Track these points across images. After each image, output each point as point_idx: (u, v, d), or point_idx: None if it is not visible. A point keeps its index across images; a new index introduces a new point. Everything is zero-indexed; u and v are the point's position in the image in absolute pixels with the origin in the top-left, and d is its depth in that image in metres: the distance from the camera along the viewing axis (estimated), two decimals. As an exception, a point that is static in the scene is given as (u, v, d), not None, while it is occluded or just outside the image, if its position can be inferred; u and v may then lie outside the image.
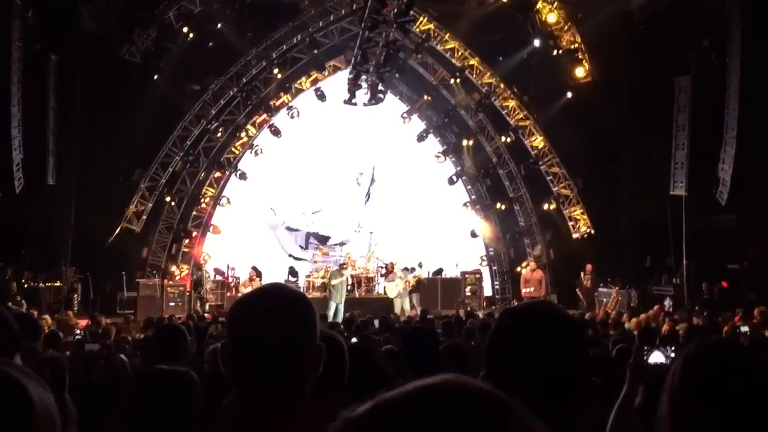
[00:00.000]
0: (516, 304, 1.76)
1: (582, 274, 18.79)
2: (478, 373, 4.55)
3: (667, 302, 16.99)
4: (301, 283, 19.71)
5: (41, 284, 17.45)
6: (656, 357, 2.44)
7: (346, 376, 2.36)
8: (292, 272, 20.41)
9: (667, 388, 1.67)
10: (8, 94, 15.21)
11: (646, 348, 2.50)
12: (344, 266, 18.42)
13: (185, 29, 18.21)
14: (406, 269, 18.83)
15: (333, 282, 17.57)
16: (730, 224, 17.67)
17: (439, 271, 20.88)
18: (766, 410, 1.54)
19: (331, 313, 16.81)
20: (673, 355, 2.43)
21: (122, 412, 2.49)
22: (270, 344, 1.66)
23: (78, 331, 9.49)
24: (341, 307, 17.36)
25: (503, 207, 21.76)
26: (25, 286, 16.91)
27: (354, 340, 6.55)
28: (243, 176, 20.88)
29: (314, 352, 1.73)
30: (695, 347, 1.69)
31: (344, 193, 22.46)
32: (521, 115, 20.68)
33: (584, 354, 1.61)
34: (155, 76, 18.47)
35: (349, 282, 18.33)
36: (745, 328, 7.47)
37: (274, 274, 20.44)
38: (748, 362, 1.63)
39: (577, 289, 18.82)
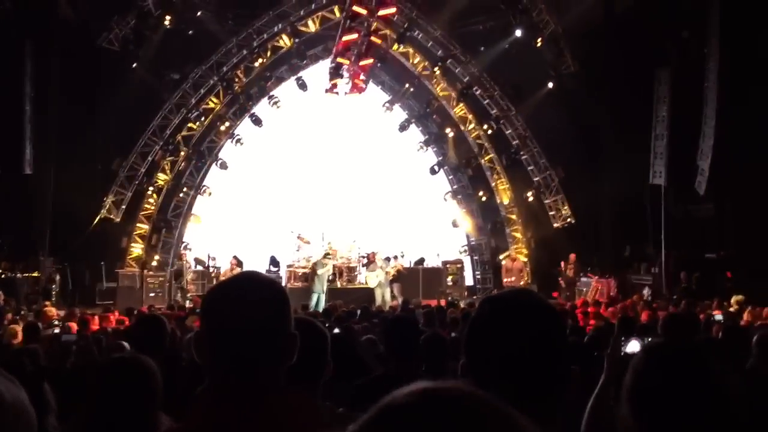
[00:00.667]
0: (496, 293, 1.77)
1: (563, 263, 18.91)
2: (457, 363, 4.55)
3: (646, 291, 17.17)
4: (283, 273, 19.63)
5: (19, 274, 17.24)
6: (633, 346, 2.46)
7: (327, 364, 2.34)
8: (274, 262, 20.30)
9: (624, 392, 1.70)
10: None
11: (623, 338, 2.52)
12: (328, 255, 18.41)
13: (165, 17, 17.98)
14: (387, 259, 18.85)
15: (319, 271, 17.55)
16: (709, 214, 17.86)
17: (421, 261, 20.92)
18: (710, 413, 1.57)
19: (312, 303, 16.80)
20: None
21: (87, 401, 2.53)
22: (244, 333, 1.64)
23: (56, 323, 9.38)
24: (323, 297, 17.35)
25: (485, 197, 21.84)
26: (2, 276, 16.72)
27: (336, 330, 6.55)
28: (224, 166, 20.74)
29: (289, 341, 1.72)
30: (642, 354, 1.73)
31: (326, 184, 22.42)
32: (503, 105, 20.72)
33: (563, 341, 1.61)
34: (134, 65, 18.26)
35: (331, 272, 18.31)
36: (719, 317, 7.55)
37: (255, 264, 20.42)
38: (693, 368, 1.66)
39: (560, 279, 18.94)
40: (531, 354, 1.51)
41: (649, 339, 2.49)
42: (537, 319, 1.56)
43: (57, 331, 8.19)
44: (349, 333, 6.37)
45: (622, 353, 2.45)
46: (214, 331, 1.69)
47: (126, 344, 5.00)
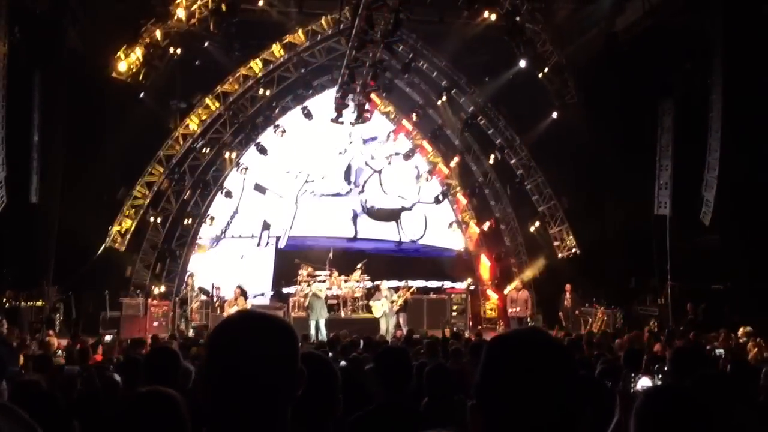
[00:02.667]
0: (504, 331, 1.73)
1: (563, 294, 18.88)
2: (463, 395, 4.50)
3: (652, 323, 17.05)
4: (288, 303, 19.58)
5: (23, 303, 17.18)
6: (644, 382, 2.43)
7: (338, 403, 2.32)
8: (280, 296, 20.37)
9: None
10: (-8, 111, 15.09)
11: (633, 374, 2.49)
12: (308, 281, 18.46)
13: (171, 48, 18.18)
14: (391, 289, 18.77)
15: (307, 302, 17.66)
16: (714, 245, 17.78)
17: (426, 290, 20.84)
18: None
19: (312, 332, 16.68)
20: (660, 382, 2.42)
21: None
22: (252, 374, 1.63)
23: (60, 352, 9.33)
24: (321, 323, 17.24)
25: (489, 226, 21.83)
26: (7, 305, 16.66)
27: (343, 363, 6.50)
28: (228, 194, 20.80)
29: (295, 380, 1.70)
30: (644, 399, 1.74)
31: (331, 212, 22.49)
32: (507, 135, 20.80)
33: (576, 382, 1.59)
34: (141, 94, 18.40)
35: (322, 296, 18.12)
36: (720, 351, 7.47)
37: (259, 292, 20.41)
38: (693, 412, 1.66)
39: (560, 311, 18.88)
40: (544, 396, 1.49)
41: (659, 376, 2.46)
42: (549, 360, 1.55)
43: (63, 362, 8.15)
44: (355, 365, 6.31)
45: (633, 390, 2.42)
46: (222, 369, 1.66)
47: (117, 377, 4.93)
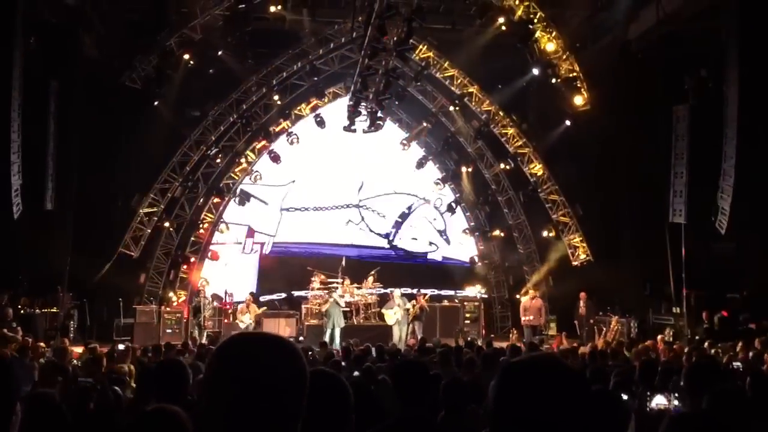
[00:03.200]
0: (518, 359, 1.69)
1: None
2: (477, 406, 4.45)
3: (668, 331, 16.89)
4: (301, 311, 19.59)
5: (37, 310, 17.30)
6: (659, 401, 2.40)
7: (350, 422, 2.29)
8: (290, 303, 20.39)
9: None
10: (8, 119, 15.21)
11: (648, 392, 2.46)
12: (330, 291, 18.45)
13: (186, 56, 18.30)
14: (404, 296, 18.72)
15: (323, 308, 17.67)
16: (730, 253, 17.62)
17: (439, 298, 20.79)
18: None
19: (327, 340, 16.71)
20: (676, 402, 2.39)
21: None
22: (258, 403, 1.57)
23: (75, 362, 9.36)
24: (337, 332, 17.27)
25: (502, 234, 21.76)
26: (22, 312, 16.76)
27: (356, 373, 6.47)
28: (242, 202, 20.87)
29: (303, 401, 1.66)
30: (668, 426, 1.69)
31: (343, 220, 22.53)
32: (520, 143, 20.76)
33: (589, 409, 1.57)
34: (155, 102, 18.52)
35: (342, 304, 18.18)
36: (737, 364, 7.37)
37: (271, 299, 20.43)
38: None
39: (574, 320, 18.75)
40: (558, 424, 1.47)
41: (675, 394, 2.42)
42: (563, 388, 1.53)
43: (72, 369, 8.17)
44: (368, 376, 6.28)
45: (648, 408, 2.39)
46: (226, 395, 1.60)
47: (118, 390, 4.91)
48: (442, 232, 23.02)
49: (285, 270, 21.18)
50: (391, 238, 22.80)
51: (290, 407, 1.62)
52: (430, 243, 22.94)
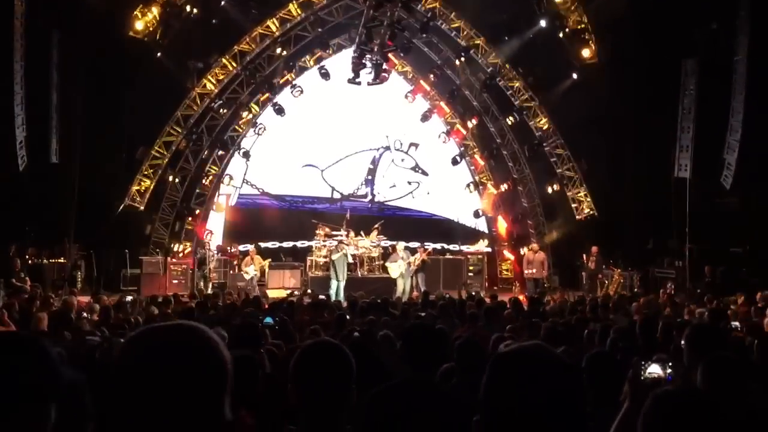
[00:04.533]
0: (508, 349, 1.69)
1: (585, 256, 18.80)
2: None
3: (670, 285, 17.03)
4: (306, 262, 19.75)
5: (45, 261, 17.51)
6: (653, 369, 2.45)
7: (352, 392, 2.36)
8: (294, 254, 20.53)
9: None
10: (11, 71, 15.13)
11: (642, 362, 2.50)
12: (342, 241, 18.53)
13: (188, 6, 18.04)
14: (408, 248, 18.82)
15: (333, 257, 17.70)
16: (734, 207, 17.65)
17: (443, 251, 20.92)
18: None
19: (332, 292, 16.91)
20: (670, 369, 2.44)
21: None
22: (169, 400, 1.42)
23: (85, 314, 9.51)
24: (342, 285, 17.44)
25: (507, 188, 21.76)
26: (29, 262, 16.96)
27: (356, 333, 6.57)
28: (246, 155, 20.84)
29: (222, 400, 1.49)
30: (651, 405, 1.73)
31: (348, 173, 22.53)
32: (526, 96, 20.59)
33: (581, 399, 1.59)
34: (158, 54, 18.34)
35: (350, 259, 18.32)
36: (735, 324, 7.44)
37: (276, 253, 20.57)
38: (705, 419, 1.66)
39: (582, 272, 18.84)
40: (549, 415, 1.50)
41: (670, 364, 2.47)
42: (554, 378, 1.54)
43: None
44: (368, 337, 6.38)
45: (643, 377, 2.44)
46: (131, 392, 1.44)
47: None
48: (415, 168, 22.93)
49: (251, 222, 21.15)
50: (370, 197, 22.75)
51: (207, 402, 1.46)
52: (409, 182, 22.89)
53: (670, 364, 2.44)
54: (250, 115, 20.79)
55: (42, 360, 1.45)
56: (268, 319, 7.15)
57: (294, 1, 19.59)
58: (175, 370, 1.42)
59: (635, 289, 17.13)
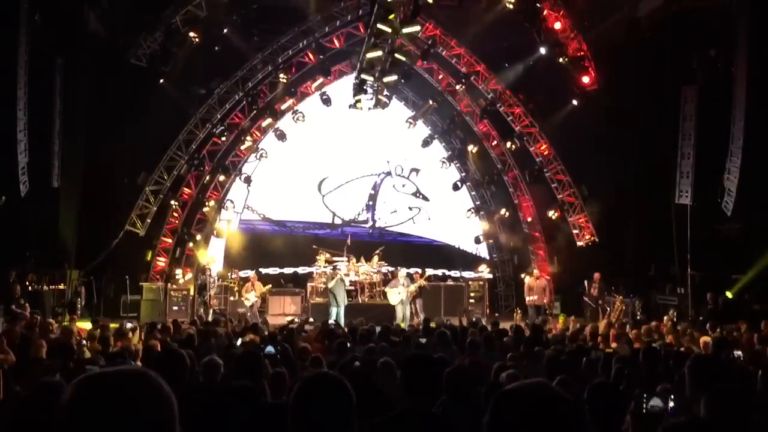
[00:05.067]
0: (512, 387, 1.65)
1: (585, 282, 18.72)
2: (480, 388, 4.46)
3: (672, 312, 16.93)
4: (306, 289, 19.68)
5: (45, 287, 17.44)
6: (655, 402, 2.43)
7: (352, 425, 2.33)
8: (295, 281, 20.48)
9: None
10: (14, 97, 15.22)
11: (645, 395, 2.48)
12: (337, 268, 18.47)
13: (191, 33, 18.20)
14: (409, 275, 18.76)
15: (329, 285, 17.61)
16: (736, 234, 17.60)
17: (444, 277, 20.86)
18: None
19: (332, 320, 16.78)
20: (672, 402, 2.42)
21: None
22: None
23: (85, 342, 9.46)
24: (342, 312, 17.34)
25: (507, 214, 21.75)
26: (29, 288, 16.89)
27: (357, 363, 6.53)
28: (248, 180, 20.89)
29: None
30: None
31: (349, 199, 22.56)
32: (526, 122, 20.67)
33: None
34: (161, 80, 18.47)
35: (347, 284, 18.23)
36: (738, 352, 7.38)
37: (276, 279, 20.53)
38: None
39: (585, 297, 18.75)
40: None
41: (672, 396, 2.45)
42: (558, 418, 1.52)
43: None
44: (369, 366, 6.33)
45: (645, 410, 2.41)
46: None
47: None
48: (416, 193, 22.98)
49: (252, 248, 21.16)
50: (370, 222, 22.78)
51: None
52: (410, 208, 22.94)
53: (672, 396, 2.41)
54: (252, 141, 20.85)
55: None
56: (270, 348, 7.10)
57: (295, 29, 19.76)
58: (119, 419, 1.40)
59: (637, 316, 17.01)
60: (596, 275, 18.42)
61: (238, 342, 9.91)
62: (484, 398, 4.41)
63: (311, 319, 17.33)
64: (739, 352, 7.36)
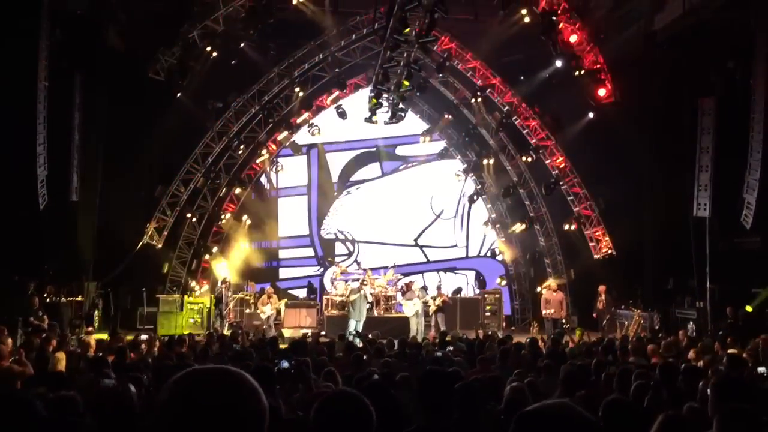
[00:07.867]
0: (533, 407, 1.62)
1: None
2: (495, 403, 4.43)
3: (690, 326, 16.75)
4: (321, 300, 19.69)
5: (63, 299, 17.55)
6: None
7: None
8: (311, 289, 20.45)
9: None
10: (34, 111, 15.39)
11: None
12: (363, 282, 18.40)
13: (209, 48, 18.34)
14: (424, 288, 18.71)
15: (351, 298, 17.54)
16: (755, 247, 17.39)
17: (458, 291, 20.79)
18: None
19: (351, 331, 16.76)
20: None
21: None
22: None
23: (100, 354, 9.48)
24: (360, 325, 17.31)
25: (523, 227, 21.67)
26: (47, 300, 17.00)
27: (375, 376, 6.49)
28: (263, 193, 20.97)
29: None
30: None
31: (365, 211, 22.56)
32: (543, 135, 20.61)
33: None
34: (178, 94, 18.61)
35: (369, 299, 18.21)
36: (762, 369, 7.25)
37: (293, 290, 20.55)
38: None
39: (594, 313, 18.60)
40: None
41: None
42: None
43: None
44: (387, 379, 6.29)
45: None
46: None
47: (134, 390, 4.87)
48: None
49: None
50: (415, 237, 22.82)
51: None
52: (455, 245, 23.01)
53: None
54: (268, 154, 20.95)
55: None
56: (284, 363, 7.08)
57: (312, 42, 19.88)
58: (219, 415, 1.45)
59: (658, 331, 16.82)
60: (601, 288, 18.24)
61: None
62: (503, 415, 4.37)
63: (323, 333, 17.33)
64: (763, 369, 7.23)
